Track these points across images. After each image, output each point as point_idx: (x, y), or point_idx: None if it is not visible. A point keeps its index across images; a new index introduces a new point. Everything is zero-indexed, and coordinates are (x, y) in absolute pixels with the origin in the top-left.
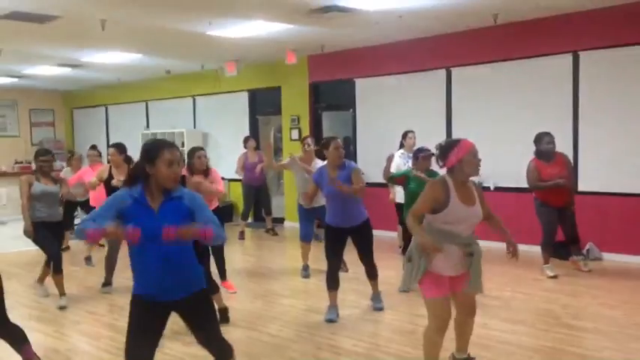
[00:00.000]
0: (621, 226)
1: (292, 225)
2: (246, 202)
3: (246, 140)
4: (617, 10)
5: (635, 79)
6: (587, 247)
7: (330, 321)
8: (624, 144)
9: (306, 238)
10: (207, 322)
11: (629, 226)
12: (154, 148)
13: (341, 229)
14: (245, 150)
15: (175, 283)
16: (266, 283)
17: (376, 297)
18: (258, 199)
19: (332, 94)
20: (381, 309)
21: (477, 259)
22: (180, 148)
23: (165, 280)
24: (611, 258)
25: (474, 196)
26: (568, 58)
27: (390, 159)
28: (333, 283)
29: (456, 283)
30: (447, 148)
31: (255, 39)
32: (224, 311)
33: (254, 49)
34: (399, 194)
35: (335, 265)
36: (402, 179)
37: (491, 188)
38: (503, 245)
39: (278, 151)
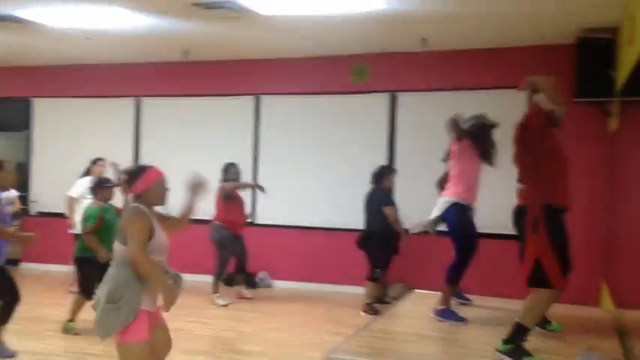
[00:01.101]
0: (291, 255)
1: None
2: None
3: None
4: (297, 62)
5: (305, 123)
6: (260, 275)
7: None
8: (298, 181)
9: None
10: None
11: (298, 255)
12: None
13: None
14: None
15: None
16: None
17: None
18: None
19: (4, 113)
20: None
21: (179, 285)
22: None
23: None
24: (281, 285)
25: (161, 223)
26: (252, 100)
27: None
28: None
29: (154, 318)
30: (135, 174)
31: None
32: None
33: None
34: (77, 225)
35: None
36: (100, 219)
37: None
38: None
39: None
